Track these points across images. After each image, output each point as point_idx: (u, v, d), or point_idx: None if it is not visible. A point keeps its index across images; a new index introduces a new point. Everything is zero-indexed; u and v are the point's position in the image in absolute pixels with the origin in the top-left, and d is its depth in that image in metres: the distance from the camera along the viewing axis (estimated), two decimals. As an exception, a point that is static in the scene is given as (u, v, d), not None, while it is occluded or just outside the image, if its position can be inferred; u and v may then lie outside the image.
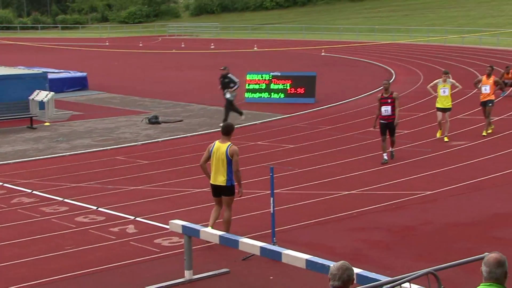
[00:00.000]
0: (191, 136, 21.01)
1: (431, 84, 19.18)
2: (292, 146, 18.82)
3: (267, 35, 72.16)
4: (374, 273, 7.24)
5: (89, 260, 10.46)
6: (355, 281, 5.28)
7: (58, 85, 30.62)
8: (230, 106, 22.65)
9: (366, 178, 15.06)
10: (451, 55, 44.32)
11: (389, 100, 16.16)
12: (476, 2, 74.74)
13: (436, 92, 18.72)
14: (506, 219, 12.04)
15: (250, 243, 8.52)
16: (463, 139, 18.83)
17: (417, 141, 18.64)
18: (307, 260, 7.89)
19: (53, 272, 10.00)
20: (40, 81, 25.78)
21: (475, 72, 34.19)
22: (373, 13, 79.47)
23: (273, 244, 9.94)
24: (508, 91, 26.32)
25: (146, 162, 17.51)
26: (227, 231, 10.51)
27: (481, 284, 4.96)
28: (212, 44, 61.30)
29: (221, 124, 11.35)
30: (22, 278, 9.81)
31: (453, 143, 18.24)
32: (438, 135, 18.77)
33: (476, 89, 20.31)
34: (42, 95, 24.17)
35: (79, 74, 33.70)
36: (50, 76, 28.34)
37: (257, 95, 27.32)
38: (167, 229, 10.49)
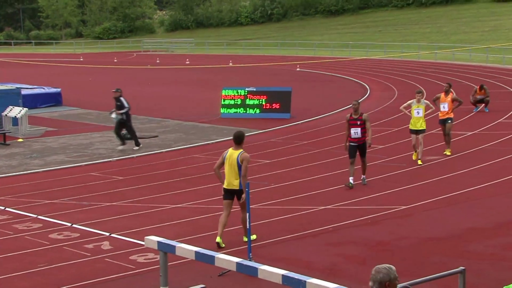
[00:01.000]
0: (166, 151, 20.92)
1: (405, 104, 18.30)
2: (268, 161, 18.82)
3: (242, 50, 72.34)
4: (350, 288, 7.23)
5: (63, 277, 10.34)
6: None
7: (31, 101, 30.40)
8: (119, 128, 21.33)
9: (342, 193, 15.09)
10: (425, 70, 44.75)
11: (359, 122, 15.45)
12: (448, 18, 75.64)
13: (409, 113, 17.93)
14: (480, 233, 12.13)
15: (226, 259, 8.48)
16: (437, 154, 18.96)
17: (392, 156, 18.75)
18: (283, 276, 7.87)
19: (26, 290, 9.86)
20: (14, 97, 25.59)
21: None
22: (347, 29, 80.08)
23: (249, 260, 9.91)
24: (481, 107, 26.61)
25: (121, 178, 17.40)
26: (246, 230, 11.23)
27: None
28: (187, 59, 61.29)
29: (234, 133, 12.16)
30: (-5, 297, 9.66)
31: (427, 158, 18.36)
32: (414, 157, 18.03)
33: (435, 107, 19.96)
34: (15, 111, 23.97)
35: (53, 90, 33.50)
36: (23, 92, 28.14)
37: (232, 110, 27.33)
38: (143, 245, 10.42)
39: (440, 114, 18.98)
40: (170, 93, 36.95)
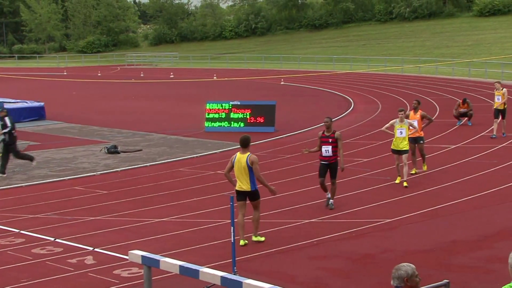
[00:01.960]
0: (150, 165, 20.86)
1: (387, 125, 17.26)
2: (252, 175, 18.78)
3: (226, 64, 72.45)
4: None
5: (46, 292, 10.25)
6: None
7: (14, 115, 30.12)
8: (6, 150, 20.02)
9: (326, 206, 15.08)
10: (408, 84, 45.01)
11: (330, 140, 14.60)
12: (431, 32, 76.23)
13: (392, 132, 17.03)
14: (465, 246, 12.17)
15: (210, 273, 8.45)
16: (421, 167, 19.02)
17: (376, 169, 18.80)
18: (268, 289, 7.83)
19: (8, 306, 9.77)
20: (-4, 111, 25.39)
21: (432, 101, 34.75)
22: (331, 43, 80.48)
23: (234, 274, 9.88)
24: (464, 120, 26.78)
25: (105, 192, 17.32)
26: (256, 229, 12.28)
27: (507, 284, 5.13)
28: (171, 73, 61.28)
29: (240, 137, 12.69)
30: (-23, 312, 9.56)
31: (411, 171, 18.41)
32: (397, 180, 17.03)
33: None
34: (-2, 125, 23.78)
35: (36, 104, 33.35)
36: (6, 106, 27.99)
37: (216, 124, 27.33)
38: (127, 259, 10.36)
39: (409, 133, 17.74)
40: (154, 107, 36.88)
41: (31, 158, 20.55)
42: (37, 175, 19.68)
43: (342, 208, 14.84)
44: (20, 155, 20.51)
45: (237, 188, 12.29)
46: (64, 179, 19.02)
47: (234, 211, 10.58)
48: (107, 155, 22.60)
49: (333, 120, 14.95)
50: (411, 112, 18.42)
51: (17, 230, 13.72)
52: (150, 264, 9.28)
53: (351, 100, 37.00)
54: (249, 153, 12.22)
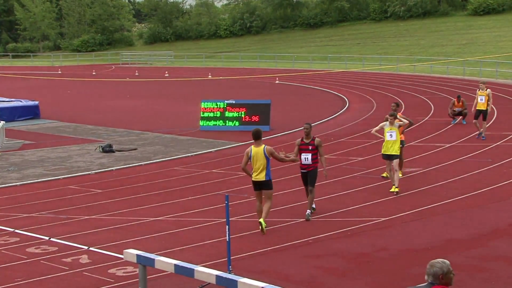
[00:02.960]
0: (145, 164, 20.85)
1: (377, 128, 16.47)
2: (247, 173, 18.79)
3: (221, 63, 72.41)
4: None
5: (41, 291, 10.24)
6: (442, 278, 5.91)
7: (9, 114, 30.20)
8: None
9: (321, 205, 15.11)
10: (403, 83, 45.06)
11: (310, 147, 14.00)
12: (426, 31, 76.31)
13: (383, 136, 16.34)
14: (459, 245, 12.20)
15: (205, 272, 8.45)
16: (416, 165, 19.07)
17: (370, 168, 18.82)
18: (263, 288, 7.84)
19: (3, 305, 9.76)
20: (-9, 110, 25.41)
21: (426, 100, 34.81)
22: (326, 42, 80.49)
23: (229, 272, 9.89)
24: (459, 119, 26.83)
25: (100, 191, 17.31)
26: (266, 214, 12.90)
27: None
28: (166, 72, 61.22)
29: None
30: (-29, 312, 9.55)
31: (406, 169, 18.45)
32: (392, 189, 16.05)
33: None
34: (-8, 124, 23.78)
35: (30, 103, 33.30)
36: (0, 105, 27.96)
37: (211, 123, 27.32)
38: (122, 258, 10.35)
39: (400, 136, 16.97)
40: (149, 106, 36.86)
41: None
42: (31, 174, 19.65)
43: (337, 206, 14.85)
44: None
45: (253, 179, 13.06)
46: (59, 178, 19.00)
47: (229, 209, 10.59)
48: (102, 154, 22.58)
49: (311, 126, 14.33)
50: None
51: (12, 229, 13.70)
52: (145, 263, 9.28)
53: (346, 99, 37.03)
54: (263, 145, 12.97)
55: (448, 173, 18.05)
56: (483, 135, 22.64)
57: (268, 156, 12.93)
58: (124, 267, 11.09)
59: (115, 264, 11.35)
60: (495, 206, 14.76)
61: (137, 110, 35.36)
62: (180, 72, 61.73)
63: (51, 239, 12.97)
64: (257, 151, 12.97)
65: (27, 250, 12.33)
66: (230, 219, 10.62)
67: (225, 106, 27.35)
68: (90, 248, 12.30)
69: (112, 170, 20.12)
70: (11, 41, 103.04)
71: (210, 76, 55.18)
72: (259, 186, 13.06)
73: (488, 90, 23.05)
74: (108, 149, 22.89)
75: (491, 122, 26.55)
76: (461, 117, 26.78)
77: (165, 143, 24.63)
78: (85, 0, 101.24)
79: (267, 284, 7.99)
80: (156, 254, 9.86)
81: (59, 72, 66.47)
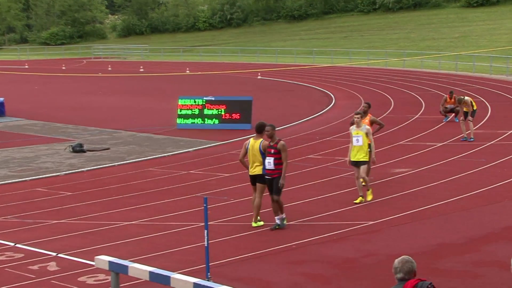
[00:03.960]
0: (118, 165, 20.79)
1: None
2: (227, 174, 18.82)
3: (200, 57, 72.35)
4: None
5: (6, 301, 10.18)
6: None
7: (-28, 111, 29.93)
8: None
9: (305, 208, 15.13)
10: (392, 78, 45.27)
11: (273, 151, 13.34)
12: (416, 24, 76.69)
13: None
14: (451, 249, 12.26)
15: (182, 279, 8.44)
16: (405, 166, 19.16)
17: (358, 169, 18.84)
18: (243, 296, 7.84)
19: (-35, 316, 9.69)
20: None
21: (417, 96, 34.99)
22: (311, 35, 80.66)
23: (207, 280, 9.88)
24: (451, 117, 26.98)
25: (70, 193, 17.23)
26: (256, 216, 13.65)
27: None
28: (141, 67, 61.06)
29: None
30: None
31: (395, 170, 18.53)
32: (357, 200, 15.33)
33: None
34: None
35: (-5, 99, 33.06)
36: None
37: (189, 121, 27.28)
38: (93, 265, 10.31)
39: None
40: (122, 103, 36.74)
41: None
42: (-4, 175, 19.52)
43: (322, 209, 14.88)
44: None
45: (250, 173, 13.65)
46: (26, 180, 18.89)
47: (208, 213, 10.57)
48: (72, 154, 22.48)
49: (275, 130, 13.67)
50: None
51: (-25, 235, 13.60)
52: (118, 270, 9.25)
53: (332, 96, 37.13)
54: (261, 139, 13.59)
55: (439, 174, 18.15)
56: (471, 137, 22.51)
57: (263, 151, 13.46)
58: (95, 275, 11.05)
59: (85, 271, 11.30)
60: (489, 209, 14.86)
61: (110, 107, 35.23)
62: (156, 67, 61.59)
63: (17, 245, 12.89)
64: (254, 143, 13.65)
65: (-9, 257, 12.24)
66: (209, 223, 10.61)
67: (203, 103, 27.32)
68: (59, 255, 12.24)
69: (83, 171, 20.03)
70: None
71: (188, 71, 55.10)
72: (256, 180, 13.60)
73: (466, 98, 23.07)
74: (78, 149, 22.80)
75: (484, 120, 26.75)
76: (453, 114, 26.93)
77: (139, 143, 24.56)
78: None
79: (248, 292, 7.99)
80: (129, 261, 9.83)
81: (26, 66, 66.07)
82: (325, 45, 71.89)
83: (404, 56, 55.94)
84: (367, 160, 15.45)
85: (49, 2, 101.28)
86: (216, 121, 27.07)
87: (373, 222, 13.95)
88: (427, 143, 22.46)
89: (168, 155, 22.15)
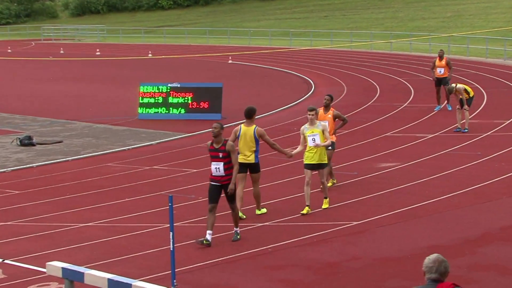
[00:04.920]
0: (72, 160, 20.70)
1: (301, 136, 14.95)
2: (195, 170, 18.79)
3: (163, 39, 72.13)
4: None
5: None
6: None
7: None
8: None
9: (282, 207, 15.16)
10: (378, 62, 45.46)
11: (221, 154, 12.73)
12: (404, 2, 77.10)
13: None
14: (444, 252, 12.31)
15: (145, 287, 8.42)
16: (393, 160, 19.25)
17: (341, 163, 18.91)
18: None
19: None
20: None
21: (405, 82, 35.18)
22: (288, 14, 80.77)
23: (174, 288, 9.87)
24: (444, 104, 27.06)
25: (17, 192, 17.14)
26: (258, 204, 14.42)
27: None
28: (97, 50, 60.75)
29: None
30: None
31: (382, 164, 18.63)
32: (304, 211, 14.56)
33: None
34: None
35: None
36: None
37: (152, 110, 27.20)
38: (44, 272, 10.25)
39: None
40: (76, 90, 36.54)
41: None
42: None
43: (300, 209, 14.90)
44: None
45: (242, 161, 13.86)
46: (-33, 177, 18.76)
47: (173, 213, 10.55)
48: (20, 148, 22.36)
49: (224, 126, 13.35)
50: (321, 110, 16.51)
51: None
52: (72, 278, 9.20)
53: (312, 82, 37.21)
54: (255, 125, 14.22)
55: (430, 168, 18.26)
56: (466, 128, 22.62)
57: (258, 138, 14.05)
58: (47, 283, 11.01)
59: (35, 279, 11.25)
60: (485, 207, 14.99)
61: (62, 95, 35.01)
62: (114, 50, 61.30)
63: (-42, 250, 12.80)
64: (246, 130, 14.18)
65: None
66: (174, 224, 10.59)
67: (168, 90, 27.25)
68: (6, 261, 12.17)
69: (33, 167, 19.94)
70: None
71: (150, 55, 54.89)
72: (246, 168, 14.05)
73: (458, 85, 22.90)
74: (27, 142, 22.66)
75: (480, 108, 26.95)
76: (446, 102, 27.05)
77: (96, 135, 24.45)
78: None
79: (219, 301, 8.00)
80: (86, 267, 9.78)
81: (-33, 49, 65.46)
82: (303, 26, 72.01)
83: (391, 38, 56.20)
84: (326, 162, 14.91)
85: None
86: (182, 111, 27.01)
87: (357, 223, 14.01)
88: (417, 135, 22.58)
89: (129, 149, 22.07)
